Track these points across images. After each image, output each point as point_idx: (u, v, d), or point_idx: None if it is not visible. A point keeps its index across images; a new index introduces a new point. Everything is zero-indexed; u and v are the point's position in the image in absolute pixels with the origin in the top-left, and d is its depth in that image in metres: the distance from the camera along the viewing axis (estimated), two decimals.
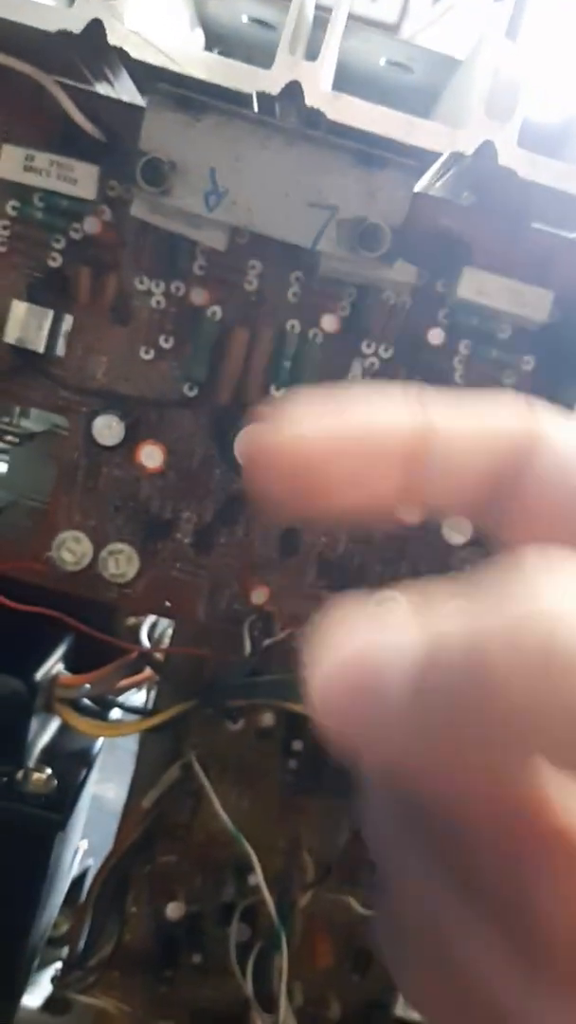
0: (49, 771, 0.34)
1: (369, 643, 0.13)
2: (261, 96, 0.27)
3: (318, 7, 0.31)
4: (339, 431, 0.15)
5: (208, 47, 0.41)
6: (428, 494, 0.16)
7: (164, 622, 0.43)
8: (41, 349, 0.31)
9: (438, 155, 0.29)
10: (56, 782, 0.34)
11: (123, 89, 0.33)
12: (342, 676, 0.13)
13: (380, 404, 0.16)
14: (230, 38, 0.40)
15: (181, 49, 0.27)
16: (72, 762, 0.37)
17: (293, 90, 0.27)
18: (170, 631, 0.41)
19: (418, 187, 0.33)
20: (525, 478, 0.16)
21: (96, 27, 0.26)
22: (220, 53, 0.40)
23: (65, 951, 0.43)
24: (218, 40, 0.41)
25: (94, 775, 0.50)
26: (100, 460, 0.34)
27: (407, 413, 0.16)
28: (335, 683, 0.13)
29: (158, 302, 0.33)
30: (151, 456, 0.33)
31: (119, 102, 0.32)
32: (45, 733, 0.37)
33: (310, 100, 0.27)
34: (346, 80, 0.34)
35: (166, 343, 0.33)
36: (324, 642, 0.13)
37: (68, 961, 0.41)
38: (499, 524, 0.17)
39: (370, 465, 0.15)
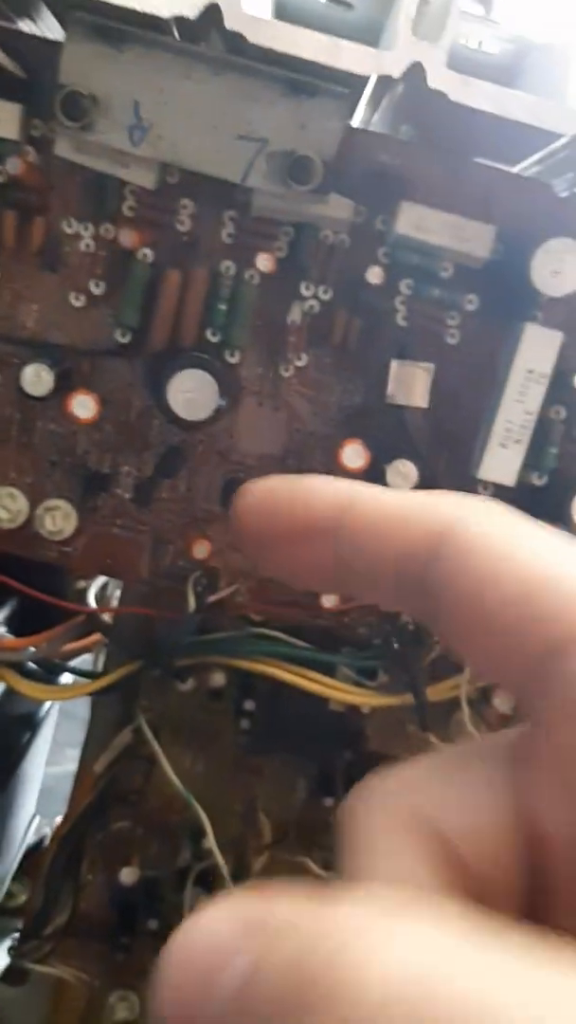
0: None
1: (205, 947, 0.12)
2: (181, 22, 0.26)
3: None
4: (278, 493, 0.16)
5: None
6: (343, 572, 0.16)
7: (114, 584, 0.42)
8: None
9: (369, 83, 0.28)
10: None
11: (47, 27, 0.32)
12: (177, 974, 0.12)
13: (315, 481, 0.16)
14: None
15: None
16: (14, 727, 0.36)
17: (212, 14, 0.26)
18: (119, 593, 0.40)
19: (355, 123, 0.32)
20: (431, 574, 0.15)
21: None
22: None
23: (21, 922, 0.42)
24: None
25: (69, 752, 0.49)
26: (33, 414, 0.33)
27: (335, 487, 0.16)
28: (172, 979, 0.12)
29: (87, 245, 0.32)
30: (83, 406, 0.32)
31: (41, 39, 0.31)
32: None
33: (230, 24, 0.26)
34: (285, 17, 0.32)
35: (97, 288, 0.32)
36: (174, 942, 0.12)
37: (24, 931, 0.41)
38: (428, 620, 0.16)
39: (299, 533, 0.15)
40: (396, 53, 0.26)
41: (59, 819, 0.46)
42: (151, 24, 0.27)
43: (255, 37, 0.26)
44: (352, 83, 0.27)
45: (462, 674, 0.35)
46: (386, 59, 0.26)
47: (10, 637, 0.37)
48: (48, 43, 0.31)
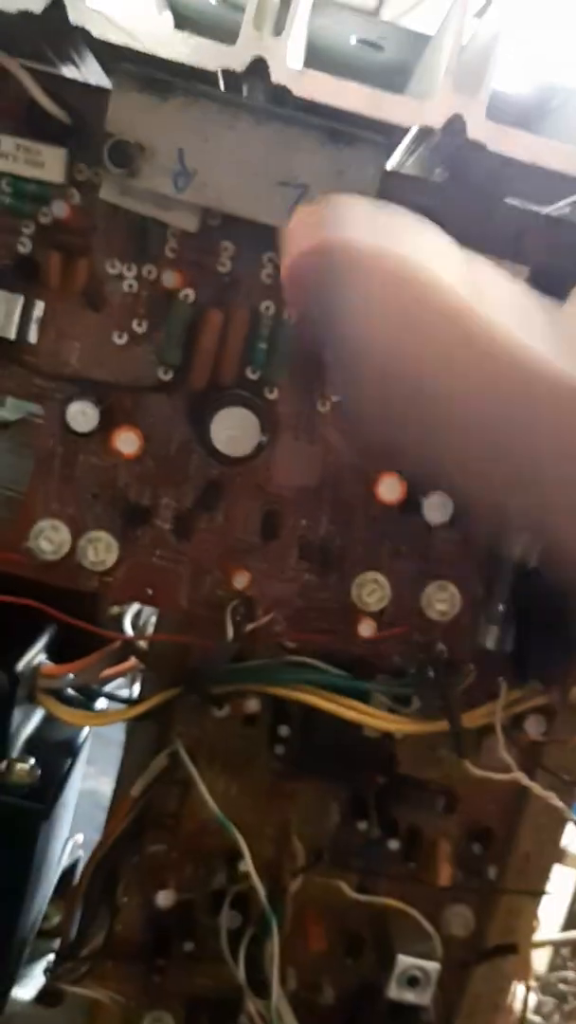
0: (32, 761, 0.34)
1: None
2: (227, 74, 0.27)
3: None
4: None
5: (177, 29, 0.40)
6: None
7: (148, 610, 0.42)
8: (12, 336, 0.31)
9: (408, 132, 0.29)
10: (40, 772, 0.34)
11: (90, 72, 0.33)
12: None
13: None
14: (199, 20, 0.40)
15: (145, 28, 0.27)
16: (56, 752, 0.36)
17: (258, 67, 0.27)
18: (154, 619, 0.41)
19: (390, 165, 0.33)
20: None
21: (57, 6, 0.26)
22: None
23: (57, 943, 0.42)
24: (187, 22, 0.40)
25: (90, 769, 0.50)
26: (76, 448, 0.34)
27: None
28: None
29: (130, 286, 0.32)
30: (127, 442, 0.32)
31: (85, 85, 0.31)
32: (28, 724, 0.37)
33: (275, 77, 0.27)
34: (316, 59, 0.33)
35: (139, 327, 0.33)
36: None
37: (60, 952, 0.41)
38: None
39: None
40: (436, 104, 0.27)
41: (80, 837, 0.47)
42: (196, 76, 0.28)
43: (299, 90, 0.27)
44: (391, 131, 0.28)
45: (497, 701, 0.36)
46: (427, 110, 0.27)
47: (50, 664, 0.37)
48: (93, 89, 0.32)
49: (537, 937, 0.45)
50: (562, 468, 0.20)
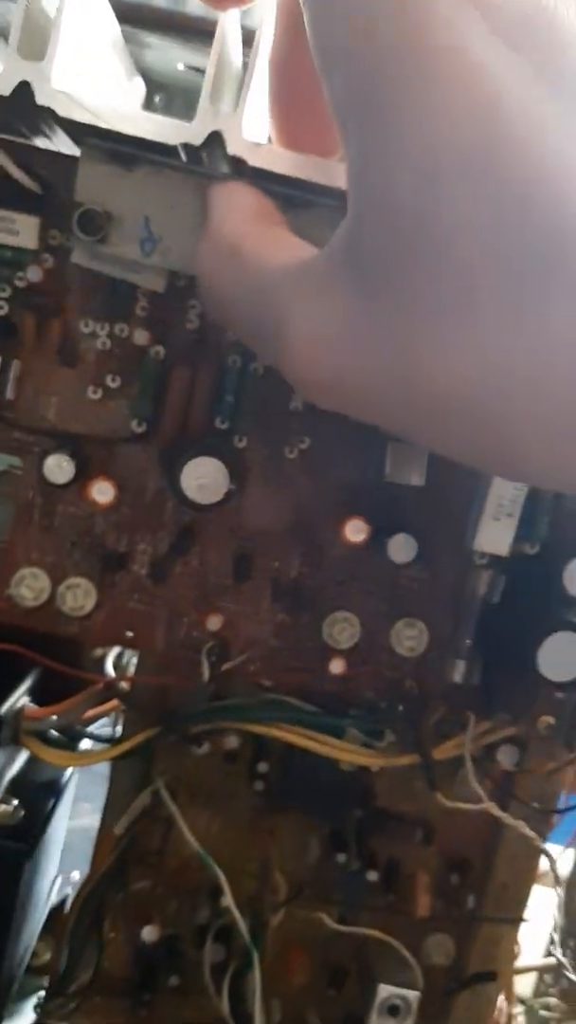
0: (16, 802, 0.35)
1: None
2: (187, 147, 0.29)
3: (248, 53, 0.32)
4: None
5: (149, 94, 0.42)
6: None
7: (130, 652, 0.44)
8: None
9: None
10: (23, 813, 0.35)
11: (60, 141, 0.35)
12: None
13: None
14: (169, 85, 0.42)
15: (108, 105, 0.29)
16: (40, 792, 0.37)
17: (215, 141, 0.28)
18: (135, 660, 0.42)
19: None
20: None
21: (24, 89, 0.28)
22: (160, 99, 0.42)
23: (47, 980, 0.43)
24: (158, 87, 0.42)
25: (84, 806, 0.51)
26: (55, 498, 0.35)
27: None
28: None
29: (103, 343, 0.34)
30: (103, 492, 0.34)
31: (56, 154, 0.33)
32: (12, 765, 0.38)
33: (232, 149, 0.28)
34: None
35: (113, 382, 0.34)
36: None
37: (49, 989, 0.42)
38: None
39: None
40: None
41: (76, 874, 0.48)
42: (159, 149, 0.29)
43: (255, 161, 0.28)
44: (342, 196, 0.30)
45: (466, 733, 0.37)
46: None
47: (33, 707, 0.39)
48: (63, 158, 0.33)
49: (519, 963, 0.45)
50: None
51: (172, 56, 0.39)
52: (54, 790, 0.38)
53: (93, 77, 0.32)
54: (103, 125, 0.28)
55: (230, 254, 0.25)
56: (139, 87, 0.41)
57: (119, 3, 0.33)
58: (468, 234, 0.17)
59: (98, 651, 0.44)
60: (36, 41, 0.28)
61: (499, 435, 0.18)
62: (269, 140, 0.30)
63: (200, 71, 0.40)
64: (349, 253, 0.19)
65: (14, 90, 0.28)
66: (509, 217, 0.16)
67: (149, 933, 0.41)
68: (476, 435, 0.18)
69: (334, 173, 0.29)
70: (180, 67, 0.40)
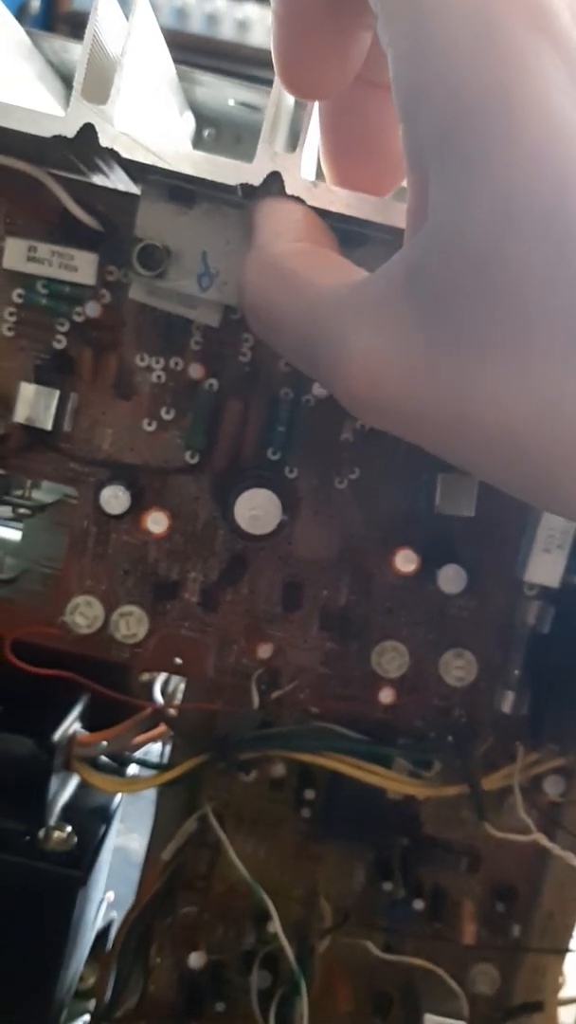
0: (69, 829, 0.36)
1: None
2: (245, 186, 0.29)
3: None
4: None
5: (199, 129, 0.43)
6: None
7: (176, 677, 0.44)
8: (49, 427, 0.33)
9: None
10: (76, 839, 0.36)
11: (117, 178, 0.35)
12: None
13: None
14: (219, 120, 0.43)
15: (169, 146, 0.29)
16: (91, 818, 0.38)
17: (273, 180, 0.29)
18: (182, 686, 0.42)
19: None
20: None
21: (88, 131, 0.28)
22: (209, 133, 0.43)
23: (92, 1003, 0.44)
24: (208, 122, 0.43)
25: (117, 826, 0.51)
26: (109, 527, 0.36)
27: None
28: None
29: (158, 377, 0.35)
30: (157, 522, 0.34)
31: (114, 191, 0.34)
32: (65, 791, 0.38)
33: (290, 189, 0.29)
34: None
35: (167, 415, 0.35)
36: None
37: (95, 1013, 0.42)
38: None
39: None
40: None
41: (111, 895, 0.48)
42: (217, 187, 0.30)
43: (313, 200, 0.29)
44: (395, 232, 0.30)
45: (515, 763, 0.37)
46: None
47: (84, 732, 0.39)
48: (121, 195, 0.34)
49: (564, 994, 0.45)
50: None
51: (224, 93, 0.39)
52: (105, 816, 0.38)
53: (150, 115, 0.33)
54: (164, 166, 0.29)
55: (281, 274, 0.25)
56: (189, 121, 0.42)
57: (187, 36, 0.34)
58: (533, 279, 0.17)
59: (145, 676, 0.44)
60: (99, 83, 0.29)
61: (548, 472, 0.18)
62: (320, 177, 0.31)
63: (250, 107, 0.40)
64: (412, 282, 0.20)
65: (78, 132, 0.29)
66: (573, 266, 0.17)
67: (196, 959, 0.41)
68: (525, 470, 0.19)
69: (387, 211, 0.29)
70: (231, 103, 0.40)
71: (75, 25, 1.53)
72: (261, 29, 1.46)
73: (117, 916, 0.45)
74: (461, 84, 0.18)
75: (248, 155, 0.30)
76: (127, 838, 0.59)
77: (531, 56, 0.17)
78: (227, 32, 1.48)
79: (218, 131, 0.43)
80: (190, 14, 1.48)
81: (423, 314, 0.19)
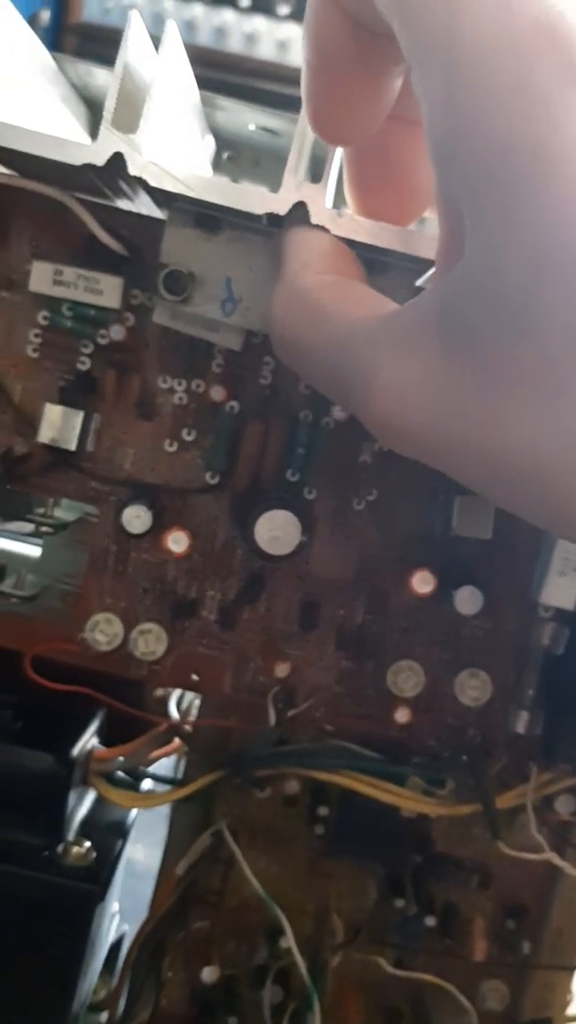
0: (88, 844, 0.36)
1: None
2: (271, 215, 0.30)
3: None
4: None
5: (218, 151, 0.44)
6: None
7: (190, 693, 0.44)
8: (73, 447, 0.34)
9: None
10: (95, 854, 0.36)
11: (142, 203, 0.36)
12: None
13: None
14: (239, 144, 0.43)
15: (195, 174, 0.30)
16: (108, 833, 0.38)
17: (299, 210, 0.29)
18: (197, 702, 0.43)
19: (420, 281, 0.35)
20: None
21: (117, 160, 0.29)
22: (229, 158, 0.43)
23: (104, 1016, 0.44)
24: (227, 145, 0.44)
25: None
26: (129, 546, 0.36)
27: None
28: None
29: (180, 399, 0.35)
30: (177, 542, 0.35)
31: (139, 216, 0.34)
32: (82, 806, 0.39)
33: (315, 219, 0.29)
34: None
35: (189, 436, 0.35)
36: None
37: None
38: None
39: None
40: None
41: (115, 905, 0.49)
42: (242, 214, 0.31)
43: (337, 230, 0.29)
44: (423, 261, 0.31)
45: (528, 783, 0.37)
46: None
47: (101, 748, 0.39)
48: (146, 220, 0.34)
49: (572, 1011, 0.46)
50: None
51: (244, 117, 0.40)
52: (121, 831, 0.39)
53: (176, 141, 0.33)
54: (192, 195, 0.29)
55: (310, 307, 0.26)
56: (209, 144, 0.43)
57: (224, 56, 0.34)
58: (560, 324, 0.18)
59: (159, 692, 0.45)
60: (128, 112, 0.29)
61: (564, 509, 0.19)
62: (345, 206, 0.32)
63: (270, 131, 0.41)
64: (443, 320, 0.20)
65: (108, 161, 0.29)
66: None
67: (208, 974, 0.41)
68: (546, 503, 0.20)
69: (410, 240, 0.30)
70: (251, 127, 0.41)
71: (84, 36, 1.54)
72: (297, 48, 1.47)
73: (129, 930, 0.46)
74: (495, 134, 0.18)
75: (266, 178, 0.31)
76: (131, 848, 0.59)
77: (563, 108, 0.18)
78: (265, 51, 1.49)
79: (237, 154, 0.44)
80: (229, 33, 1.49)
81: (453, 351, 0.20)
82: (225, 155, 0.44)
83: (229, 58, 1.47)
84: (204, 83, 0.37)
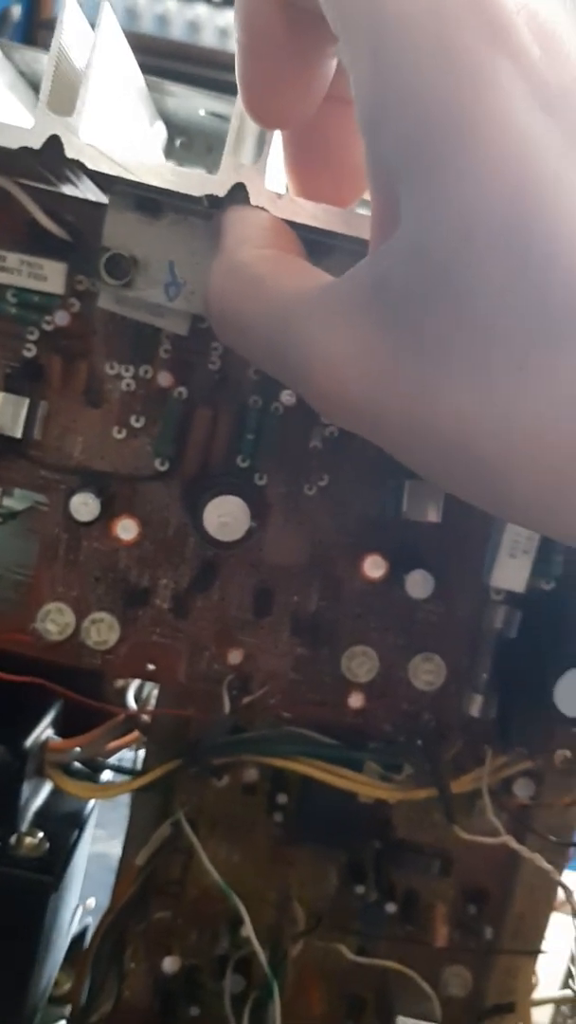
0: (41, 835, 0.36)
1: None
2: (211, 197, 0.30)
3: None
4: None
5: (171, 138, 0.43)
6: None
7: (150, 684, 0.44)
8: (19, 435, 0.33)
9: None
10: (48, 845, 0.36)
11: (87, 188, 0.36)
12: None
13: None
14: (190, 130, 0.43)
15: (135, 157, 0.30)
16: (64, 824, 0.38)
17: (238, 192, 0.29)
18: (156, 692, 0.43)
19: None
20: None
21: (54, 142, 0.29)
22: (180, 142, 0.43)
23: (68, 1009, 0.44)
24: (179, 131, 0.43)
25: (100, 832, 0.51)
26: (80, 534, 0.36)
27: None
28: None
29: (128, 385, 0.35)
30: (127, 529, 0.34)
31: (83, 201, 0.34)
32: (37, 797, 0.38)
33: (254, 200, 0.29)
34: None
35: (137, 423, 0.35)
36: None
37: (70, 1019, 0.42)
38: None
39: None
40: None
41: (91, 901, 0.48)
42: (184, 197, 0.30)
43: (277, 211, 0.29)
44: (361, 243, 0.31)
45: (483, 767, 0.37)
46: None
47: (57, 739, 0.39)
48: (90, 205, 0.34)
49: (538, 994, 0.46)
50: None
51: (194, 103, 0.40)
52: (77, 821, 0.38)
53: (118, 125, 0.33)
54: (131, 177, 0.29)
55: (248, 279, 0.25)
56: (160, 131, 0.42)
57: (167, 43, 0.34)
58: (491, 290, 0.18)
59: (119, 682, 0.44)
60: (65, 95, 0.29)
61: (499, 479, 0.19)
62: (287, 189, 0.31)
63: (220, 116, 0.41)
64: (378, 290, 0.20)
65: (44, 143, 0.29)
66: (531, 278, 0.17)
67: (170, 964, 0.41)
68: (477, 476, 0.19)
69: (352, 222, 0.30)
70: (201, 113, 0.41)
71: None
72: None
73: (93, 922, 0.45)
74: (422, 100, 0.18)
75: (219, 165, 0.31)
76: (108, 845, 0.59)
77: (489, 71, 0.18)
78: (208, 39, 1.48)
79: (189, 140, 0.43)
80: (171, 21, 1.48)
81: (388, 321, 0.20)
82: (178, 142, 0.44)
83: (203, 52, 1.46)
84: (159, 71, 0.37)
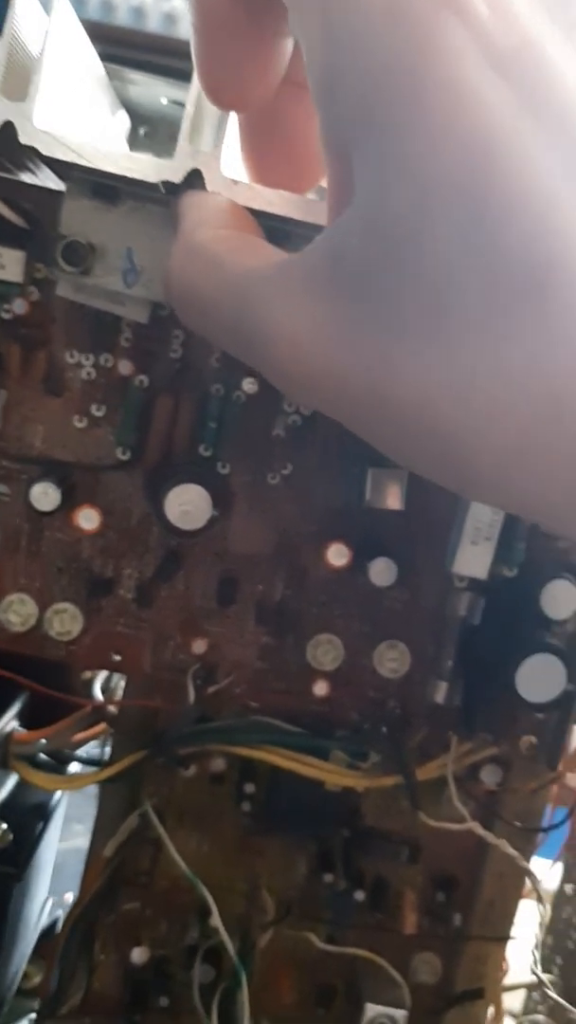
0: (4, 826, 0.36)
1: None
2: (167, 183, 0.29)
3: None
4: None
5: (135, 127, 0.43)
6: None
7: (117, 676, 0.44)
8: None
9: None
10: (11, 836, 0.36)
11: (46, 176, 0.35)
12: None
13: None
14: (152, 118, 0.43)
15: (91, 144, 0.29)
16: (28, 816, 0.38)
17: (194, 177, 0.29)
18: (123, 684, 0.42)
19: None
20: None
21: (8, 129, 0.28)
22: (144, 131, 0.43)
23: (38, 1002, 0.44)
24: (142, 120, 0.43)
25: (78, 827, 0.51)
26: (41, 524, 0.36)
27: None
28: None
29: (88, 374, 0.35)
30: (88, 519, 0.34)
31: (41, 189, 0.34)
32: (2, 789, 0.38)
33: (211, 186, 0.29)
34: None
35: (98, 411, 0.35)
36: None
37: (40, 1011, 0.42)
38: None
39: None
40: None
41: (69, 895, 0.48)
42: (142, 184, 0.30)
43: (234, 197, 0.29)
44: (317, 230, 0.31)
45: (448, 753, 0.37)
46: None
47: (22, 731, 0.39)
48: (48, 193, 0.34)
49: (508, 980, 0.46)
50: None
51: (156, 91, 0.40)
52: (43, 813, 0.38)
53: (76, 113, 0.33)
54: (86, 163, 0.29)
55: (206, 259, 0.25)
56: (123, 120, 0.42)
57: (114, 30, 0.34)
58: (447, 255, 0.18)
59: (87, 674, 0.44)
60: (18, 81, 0.29)
61: (461, 447, 0.18)
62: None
63: (182, 104, 0.41)
64: (335, 262, 0.20)
65: None
66: (486, 243, 0.17)
67: (139, 955, 0.41)
68: (439, 447, 0.19)
69: (309, 208, 0.30)
70: (164, 101, 0.40)
71: None
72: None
73: (63, 915, 0.45)
74: (373, 63, 0.18)
75: None
76: (84, 839, 0.59)
77: (439, 32, 0.17)
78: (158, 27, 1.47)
79: (152, 129, 0.43)
80: (148, 13, 1.47)
81: (345, 293, 0.20)
82: (141, 131, 0.44)
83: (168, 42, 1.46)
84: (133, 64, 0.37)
